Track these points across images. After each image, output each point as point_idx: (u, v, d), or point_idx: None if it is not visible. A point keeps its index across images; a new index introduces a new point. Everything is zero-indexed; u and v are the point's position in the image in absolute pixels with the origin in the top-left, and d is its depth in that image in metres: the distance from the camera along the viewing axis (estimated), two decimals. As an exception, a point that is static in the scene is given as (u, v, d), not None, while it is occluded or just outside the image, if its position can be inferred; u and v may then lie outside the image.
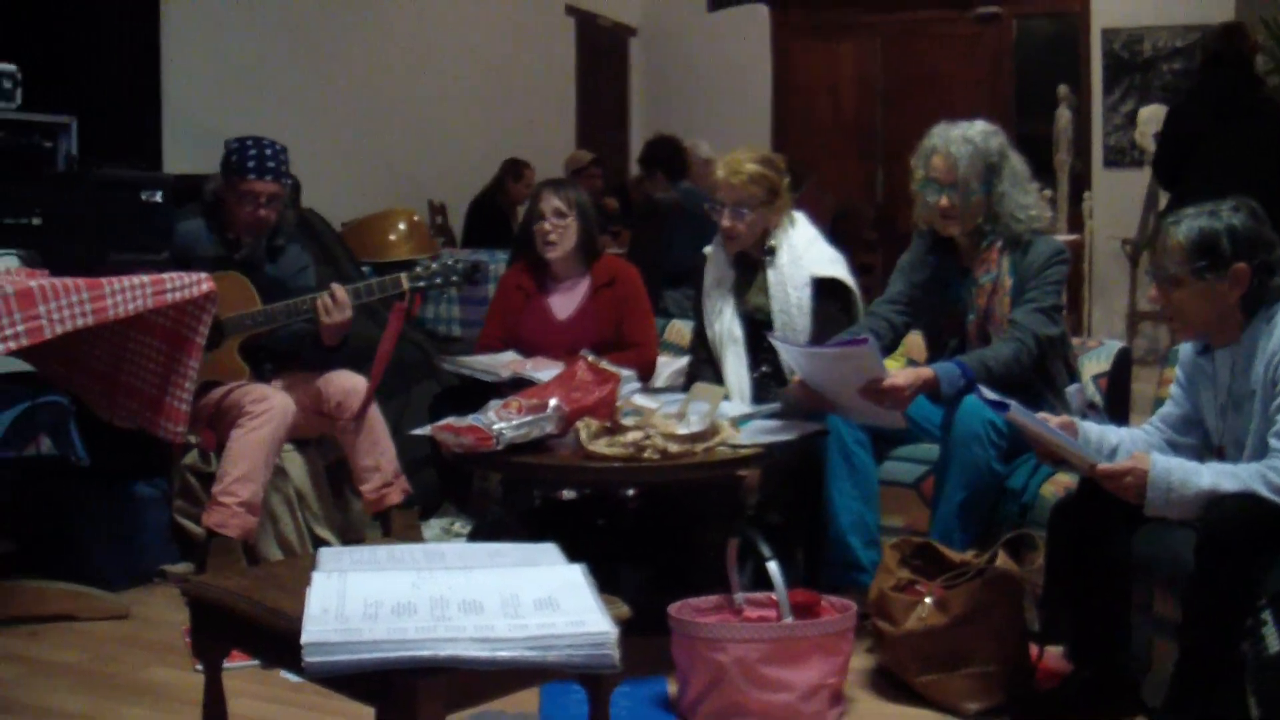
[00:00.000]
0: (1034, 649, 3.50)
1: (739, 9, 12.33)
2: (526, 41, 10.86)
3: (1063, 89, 10.63)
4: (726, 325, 4.49)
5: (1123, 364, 4.46)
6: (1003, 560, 3.49)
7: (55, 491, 4.71)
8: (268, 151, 4.61)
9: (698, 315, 4.65)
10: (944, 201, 4.02)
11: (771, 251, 4.44)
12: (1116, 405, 4.38)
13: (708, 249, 4.63)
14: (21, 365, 4.46)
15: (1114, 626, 3.34)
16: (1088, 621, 3.36)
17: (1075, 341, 4.40)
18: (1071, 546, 3.34)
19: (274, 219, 4.67)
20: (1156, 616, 3.35)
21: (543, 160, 9.69)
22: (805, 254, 4.44)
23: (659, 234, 7.60)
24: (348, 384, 4.60)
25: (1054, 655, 3.52)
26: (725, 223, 4.44)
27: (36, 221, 4.60)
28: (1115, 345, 4.54)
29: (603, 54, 12.19)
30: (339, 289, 4.50)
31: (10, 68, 4.79)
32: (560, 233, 4.72)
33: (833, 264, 4.46)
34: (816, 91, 12.40)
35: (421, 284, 4.55)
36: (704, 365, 4.56)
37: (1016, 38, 11.76)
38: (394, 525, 4.60)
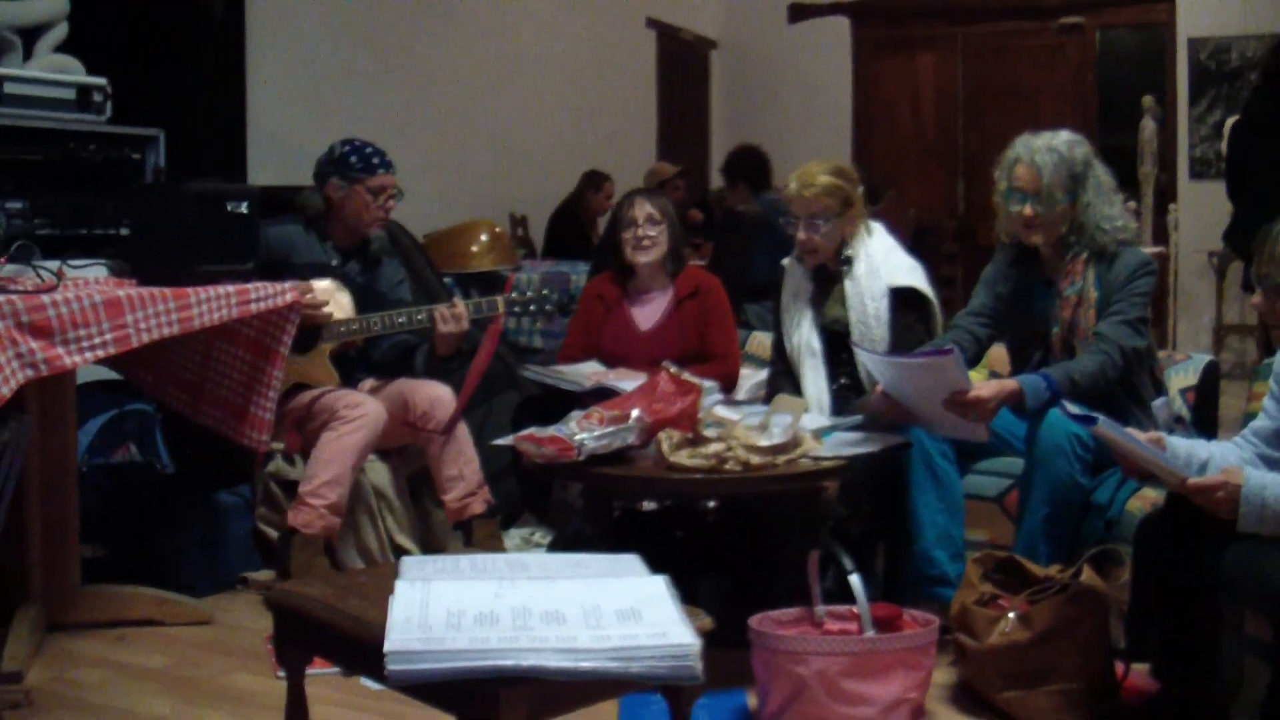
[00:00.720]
0: (1119, 666, 3.45)
1: (819, 21, 12.31)
2: (608, 55, 10.89)
3: (1147, 100, 10.52)
4: (805, 337, 4.47)
5: (1210, 378, 4.40)
6: (1088, 576, 3.45)
7: (142, 498, 4.77)
8: (378, 147, 4.79)
9: (776, 328, 4.64)
10: (1028, 211, 3.99)
11: (848, 262, 4.41)
12: (1204, 420, 4.32)
13: (785, 261, 4.62)
14: (110, 373, 4.53)
15: (1202, 645, 3.28)
16: (1175, 639, 3.30)
17: (1161, 355, 4.34)
18: (1158, 562, 3.28)
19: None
20: (1248, 636, 3.28)
21: (624, 172, 9.70)
22: (883, 264, 4.41)
23: (741, 246, 7.58)
24: (434, 393, 4.63)
25: (1140, 673, 3.47)
26: (801, 235, 4.42)
27: (125, 232, 4.67)
28: (1203, 359, 4.47)
29: (684, 67, 12.20)
30: (459, 302, 4.57)
31: (100, 81, 4.87)
32: (653, 239, 4.77)
33: (910, 273, 4.43)
34: (897, 104, 12.36)
35: (516, 308, 4.61)
36: (783, 378, 4.54)
37: (1100, 48, 11.65)
38: (476, 535, 4.62)
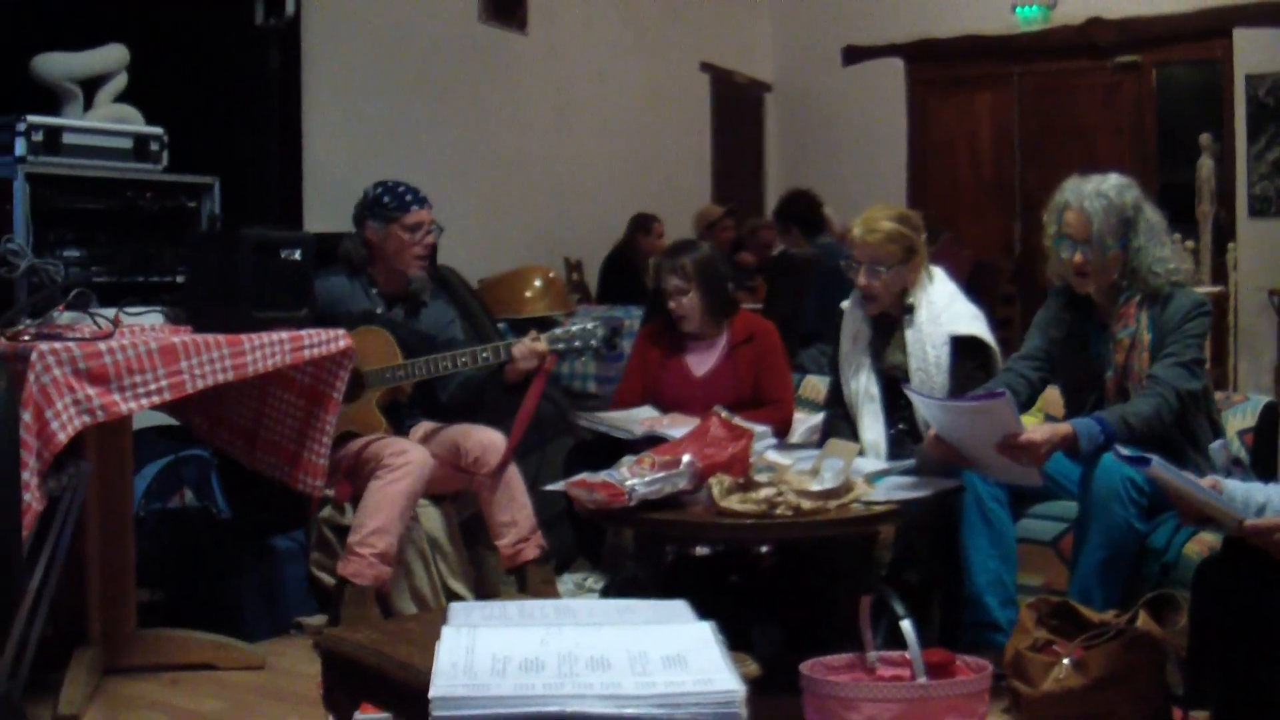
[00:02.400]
0: (1178, 713, 3.40)
1: (874, 63, 12.31)
2: (662, 99, 10.93)
3: (1205, 137, 10.44)
4: (864, 383, 4.45)
5: (1270, 419, 4.34)
6: (1144, 621, 3.41)
7: (199, 544, 4.80)
8: (410, 185, 4.85)
9: (834, 372, 4.62)
10: (1078, 258, 3.96)
11: (910, 309, 4.39)
12: (1264, 462, 4.26)
13: (845, 304, 4.60)
14: (167, 419, 4.58)
15: (1263, 692, 3.22)
16: (1235, 686, 3.24)
17: (1220, 396, 4.29)
18: (1217, 607, 3.23)
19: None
20: (1310, 682, 3.23)
21: (679, 217, 9.72)
22: (944, 312, 4.39)
23: (795, 290, 7.57)
24: (486, 439, 4.64)
25: (1199, 721, 3.43)
26: (862, 281, 4.41)
27: (180, 279, 4.72)
28: (1262, 400, 4.42)
29: (738, 110, 12.22)
30: (541, 339, 4.57)
31: (157, 131, 4.93)
32: (684, 306, 4.76)
33: (973, 321, 4.41)
34: (953, 144, 12.32)
35: (560, 346, 4.59)
36: (840, 422, 4.52)
37: (1157, 86, 11.57)
38: (530, 580, 4.62)
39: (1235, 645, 3.19)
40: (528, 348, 4.55)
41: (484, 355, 4.57)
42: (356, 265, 4.81)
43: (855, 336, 4.54)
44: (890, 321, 4.48)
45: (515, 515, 4.63)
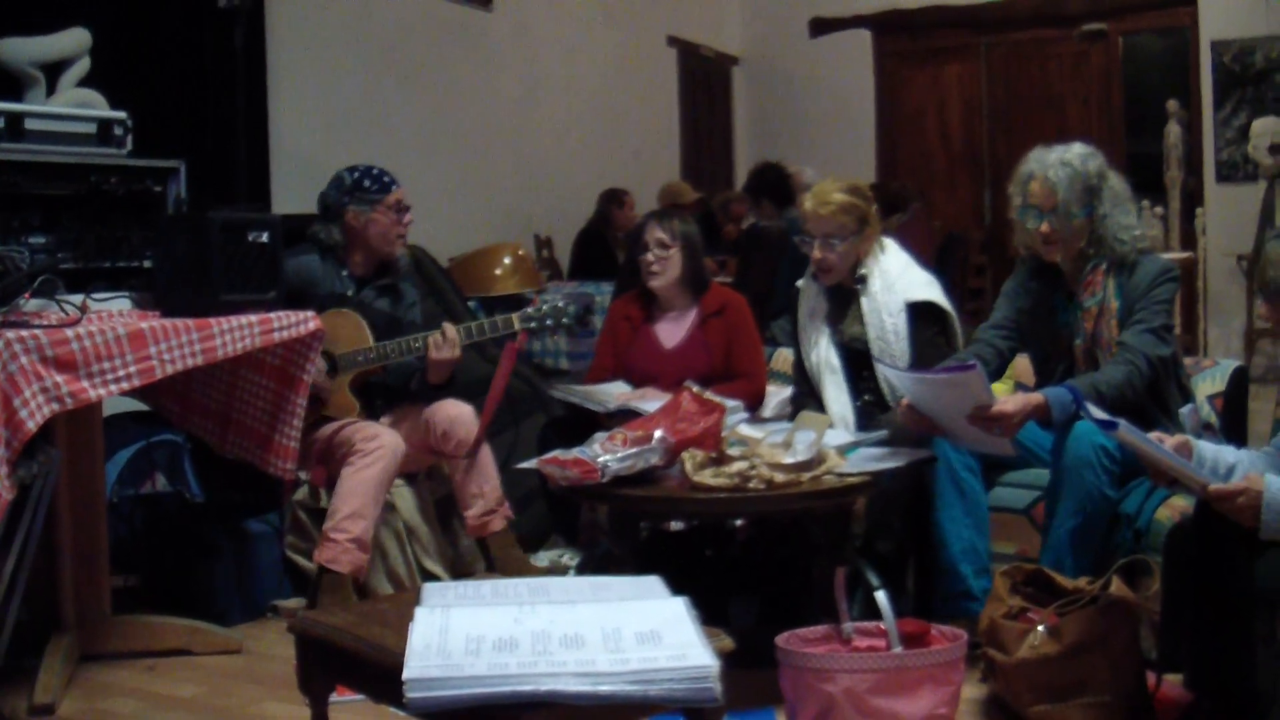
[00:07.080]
0: (1151, 678, 3.42)
1: (841, 34, 12.31)
2: (630, 74, 10.92)
3: (1172, 104, 10.48)
4: (823, 355, 4.46)
5: (1239, 383, 4.36)
6: (1117, 587, 3.42)
7: (173, 528, 4.79)
8: (378, 167, 4.83)
9: (795, 349, 4.63)
10: (1045, 227, 3.97)
11: (863, 280, 4.41)
12: (1233, 426, 4.29)
13: (800, 282, 4.61)
14: (138, 404, 4.56)
15: (1236, 655, 3.23)
16: (1208, 650, 3.25)
17: (1189, 361, 4.31)
18: (1189, 572, 3.24)
19: None
20: (1282, 646, 3.25)
21: (648, 191, 9.71)
22: (899, 280, 4.40)
23: (766, 262, 7.57)
24: (453, 411, 4.64)
25: (1172, 685, 3.44)
26: (816, 254, 4.42)
27: (147, 264, 4.69)
28: (1231, 364, 4.44)
29: (706, 84, 12.22)
30: (450, 328, 4.55)
31: (121, 115, 4.89)
32: (663, 263, 4.75)
33: (927, 287, 4.42)
34: (922, 115, 12.35)
35: (533, 324, 4.58)
36: (807, 397, 4.53)
37: (1124, 54, 11.61)
38: (493, 548, 4.63)
39: (1207, 609, 3.21)
40: (439, 338, 4.54)
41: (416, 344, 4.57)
42: (328, 248, 4.77)
43: (812, 310, 4.56)
44: (846, 294, 4.48)
45: (483, 486, 4.65)
